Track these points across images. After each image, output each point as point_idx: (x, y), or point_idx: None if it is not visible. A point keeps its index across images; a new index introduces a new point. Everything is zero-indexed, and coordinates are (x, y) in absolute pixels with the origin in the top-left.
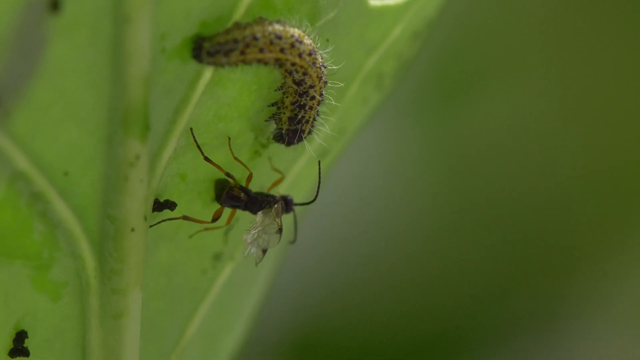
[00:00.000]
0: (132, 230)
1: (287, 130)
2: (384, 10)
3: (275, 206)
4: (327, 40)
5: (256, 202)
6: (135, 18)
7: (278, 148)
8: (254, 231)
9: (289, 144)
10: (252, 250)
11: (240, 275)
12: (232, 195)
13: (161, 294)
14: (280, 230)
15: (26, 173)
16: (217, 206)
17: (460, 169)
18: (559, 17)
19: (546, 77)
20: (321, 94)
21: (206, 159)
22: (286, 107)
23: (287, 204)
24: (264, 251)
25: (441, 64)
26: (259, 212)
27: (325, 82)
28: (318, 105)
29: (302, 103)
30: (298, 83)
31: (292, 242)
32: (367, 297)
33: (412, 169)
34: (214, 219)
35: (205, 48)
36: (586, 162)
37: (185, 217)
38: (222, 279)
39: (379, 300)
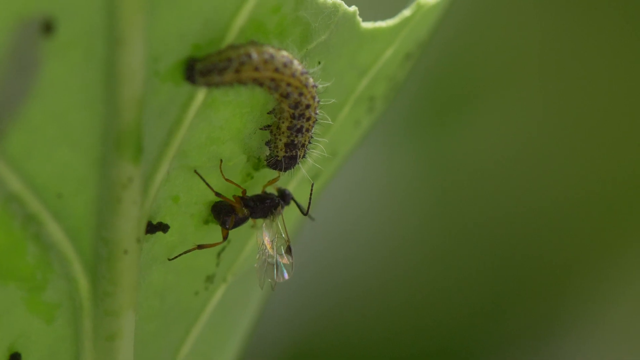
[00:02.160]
0: (125, 252)
1: (284, 157)
2: (375, 33)
3: (276, 211)
4: (319, 62)
5: (259, 210)
6: (128, 40)
7: (270, 170)
8: (261, 256)
9: (285, 170)
10: (264, 278)
11: (232, 296)
12: (239, 219)
13: (154, 316)
14: (290, 249)
15: (20, 195)
16: (209, 228)
17: (453, 189)
18: (552, 38)
19: (538, 97)
20: (316, 113)
21: (217, 194)
22: (282, 133)
23: (285, 198)
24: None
25: (432, 84)
26: (263, 226)
27: (319, 102)
28: (314, 124)
29: (298, 126)
30: (294, 106)
31: (305, 214)
32: (360, 316)
33: (404, 189)
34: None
35: (198, 68)
36: (578, 181)
37: (200, 247)
38: (215, 300)
39: (372, 318)
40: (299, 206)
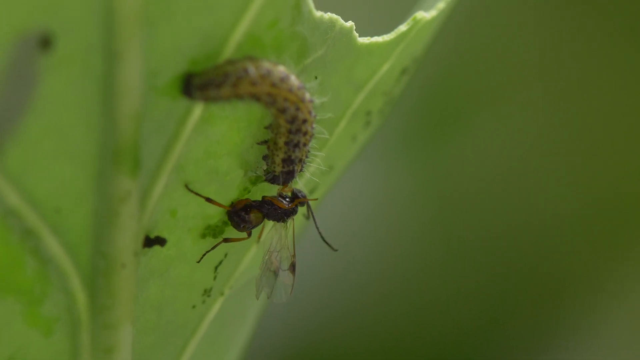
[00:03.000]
0: (123, 266)
1: (281, 172)
2: (372, 48)
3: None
4: (316, 77)
5: (274, 213)
6: (126, 55)
7: (268, 184)
8: (264, 266)
9: (283, 184)
10: (262, 289)
11: (229, 309)
12: (254, 224)
13: (152, 329)
14: (293, 266)
15: (18, 209)
16: (207, 242)
17: (450, 202)
18: (549, 50)
19: (534, 110)
20: (313, 127)
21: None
22: (279, 149)
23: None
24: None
25: (429, 97)
26: (273, 230)
27: (315, 116)
28: (311, 138)
29: (295, 141)
30: (291, 121)
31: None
32: (358, 328)
33: (401, 202)
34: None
35: (195, 83)
36: (576, 192)
37: (226, 240)
38: (212, 313)
39: (370, 331)
40: (311, 212)
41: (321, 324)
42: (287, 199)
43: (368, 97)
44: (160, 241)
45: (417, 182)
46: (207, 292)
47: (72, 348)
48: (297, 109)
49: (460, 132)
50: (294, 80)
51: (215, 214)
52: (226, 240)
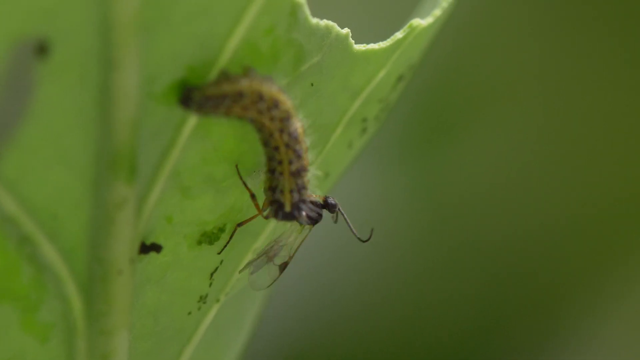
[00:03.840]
0: (119, 272)
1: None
2: (368, 55)
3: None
4: (312, 84)
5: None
6: (122, 62)
7: (261, 192)
8: (264, 250)
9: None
10: (250, 267)
11: (225, 316)
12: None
13: (148, 335)
14: (284, 266)
15: (15, 216)
16: (202, 248)
17: (446, 208)
18: (545, 58)
19: (531, 117)
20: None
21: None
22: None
23: (330, 209)
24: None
25: (425, 104)
26: (290, 227)
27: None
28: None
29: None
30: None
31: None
32: (354, 334)
33: (397, 208)
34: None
35: (195, 98)
36: (572, 199)
37: (240, 224)
38: (208, 320)
39: (366, 338)
40: (345, 220)
41: (318, 329)
42: (318, 206)
43: (364, 104)
44: (156, 248)
45: (413, 188)
46: (202, 299)
47: (68, 354)
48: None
49: (456, 139)
50: (294, 127)
51: (211, 220)
52: (240, 224)
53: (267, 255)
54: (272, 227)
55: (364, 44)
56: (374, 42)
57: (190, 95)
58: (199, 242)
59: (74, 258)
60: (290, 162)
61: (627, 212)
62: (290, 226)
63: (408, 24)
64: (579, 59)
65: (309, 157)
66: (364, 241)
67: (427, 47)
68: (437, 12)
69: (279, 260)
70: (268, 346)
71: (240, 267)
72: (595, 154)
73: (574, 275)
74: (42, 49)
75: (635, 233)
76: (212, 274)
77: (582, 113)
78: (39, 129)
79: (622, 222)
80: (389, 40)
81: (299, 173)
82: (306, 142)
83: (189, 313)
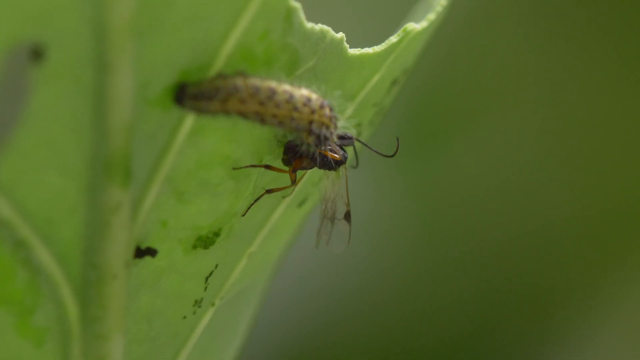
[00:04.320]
0: (114, 276)
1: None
2: (362, 59)
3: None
4: None
5: (326, 162)
6: (117, 67)
7: (259, 194)
8: (323, 213)
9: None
10: (322, 238)
11: (220, 320)
12: (304, 164)
13: (143, 340)
14: (349, 215)
15: (9, 220)
16: (198, 252)
17: (441, 211)
18: (541, 62)
19: (525, 121)
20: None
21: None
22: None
23: (346, 142)
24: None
25: (418, 108)
26: (328, 179)
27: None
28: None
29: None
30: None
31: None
32: (348, 339)
33: (391, 213)
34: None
35: (189, 92)
36: (565, 202)
37: (269, 191)
38: (203, 324)
39: (359, 342)
40: (366, 145)
41: (313, 332)
42: (337, 148)
43: (359, 108)
44: (151, 252)
45: (408, 192)
46: (197, 303)
47: (63, 358)
48: (292, 118)
49: (450, 142)
50: (281, 94)
51: (206, 224)
52: (269, 191)
53: (327, 217)
54: (266, 232)
55: (359, 48)
56: (369, 46)
57: (185, 90)
58: (194, 247)
59: (68, 262)
60: (310, 123)
61: (621, 217)
62: (323, 179)
63: (402, 28)
64: (573, 62)
65: (327, 111)
66: (390, 156)
67: (421, 52)
68: (431, 16)
69: (340, 214)
70: (263, 350)
71: (234, 275)
72: (589, 160)
73: (569, 278)
74: (37, 54)
75: (629, 237)
76: (207, 278)
77: (577, 116)
78: (34, 134)
79: (615, 228)
80: (383, 44)
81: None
82: (321, 101)
83: (184, 317)
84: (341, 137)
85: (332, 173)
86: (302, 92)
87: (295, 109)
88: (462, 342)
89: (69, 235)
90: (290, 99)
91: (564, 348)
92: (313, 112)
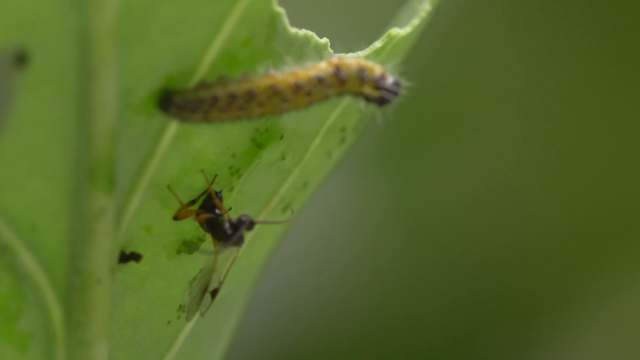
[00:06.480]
0: (98, 282)
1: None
2: None
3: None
4: None
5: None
6: (101, 73)
7: (242, 202)
8: (203, 287)
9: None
10: (199, 310)
11: (204, 325)
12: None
13: (127, 345)
14: (215, 293)
15: None
16: (182, 257)
17: (426, 218)
18: (527, 68)
19: (511, 127)
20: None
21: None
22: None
23: (249, 227)
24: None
25: (403, 114)
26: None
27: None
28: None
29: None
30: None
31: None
32: (332, 345)
33: (377, 218)
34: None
35: (175, 102)
36: (549, 211)
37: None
38: (187, 329)
39: (344, 349)
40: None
41: (297, 337)
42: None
43: (343, 114)
44: (136, 257)
45: (393, 197)
46: (182, 308)
47: None
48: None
49: (435, 146)
50: (263, 92)
51: (190, 229)
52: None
53: (207, 290)
54: (250, 237)
55: (343, 54)
56: (353, 52)
57: (172, 99)
58: (178, 252)
59: (53, 268)
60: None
61: (607, 222)
62: (218, 253)
63: (387, 34)
64: (560, 65)
65: None
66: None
67: (406, 56)
68: (415, 21)
69: (210, 287)
70: (247, 355)
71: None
72: (575, 167)
73: (556, 282)
74: (21, 59)
75: (616, 241)
76: (191, 284)
77: (564, 120)
78: (17, 140)
79: (602, 232)
80: (367, 49)
81: None
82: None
83: (169, 322)
84: (239, 222)
85: (232, 250)
86: (289, 81)
87: (285, 100)
88: (449, 346)
89: (53, 241)
90: (274, 95)
91: (551, 351)
92: (309, 94)
